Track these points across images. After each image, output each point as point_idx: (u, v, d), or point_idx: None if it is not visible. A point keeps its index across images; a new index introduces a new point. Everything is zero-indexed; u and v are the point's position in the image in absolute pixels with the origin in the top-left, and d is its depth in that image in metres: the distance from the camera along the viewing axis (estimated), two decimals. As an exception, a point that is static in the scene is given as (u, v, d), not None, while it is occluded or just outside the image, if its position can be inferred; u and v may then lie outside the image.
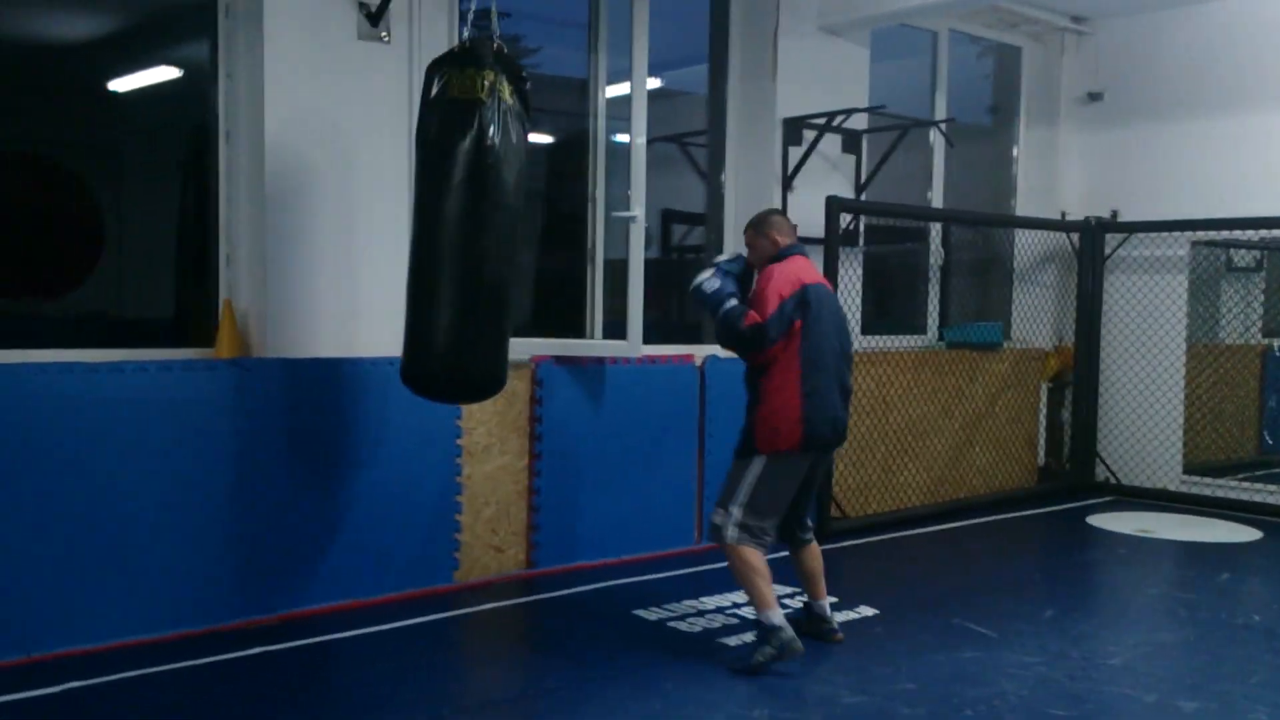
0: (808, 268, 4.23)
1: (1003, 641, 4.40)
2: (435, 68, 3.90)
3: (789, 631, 3.93)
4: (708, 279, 4.18)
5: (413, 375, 3.90)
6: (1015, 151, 8.24)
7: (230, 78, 4.70)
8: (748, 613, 4.45)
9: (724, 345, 4.28)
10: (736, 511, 4.02)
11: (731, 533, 4.02)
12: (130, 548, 4.12)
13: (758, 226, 4.32)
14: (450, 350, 3.80)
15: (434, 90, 3.85)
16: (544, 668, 4.05)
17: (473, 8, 4.25)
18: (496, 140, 3.76)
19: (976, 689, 3.84)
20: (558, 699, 3.70)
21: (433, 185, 3.80)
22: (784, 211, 4.30)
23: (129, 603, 4.12)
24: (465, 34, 4.10)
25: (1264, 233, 7.14)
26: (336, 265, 4.75)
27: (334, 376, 4.62)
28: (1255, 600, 5.31)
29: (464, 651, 4.45)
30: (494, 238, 3.81)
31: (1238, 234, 7.30)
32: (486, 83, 3.78)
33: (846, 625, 4.50)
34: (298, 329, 4.66)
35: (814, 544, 4.38)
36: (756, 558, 4.01)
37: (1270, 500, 7.16)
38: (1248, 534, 6.58)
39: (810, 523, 4.40)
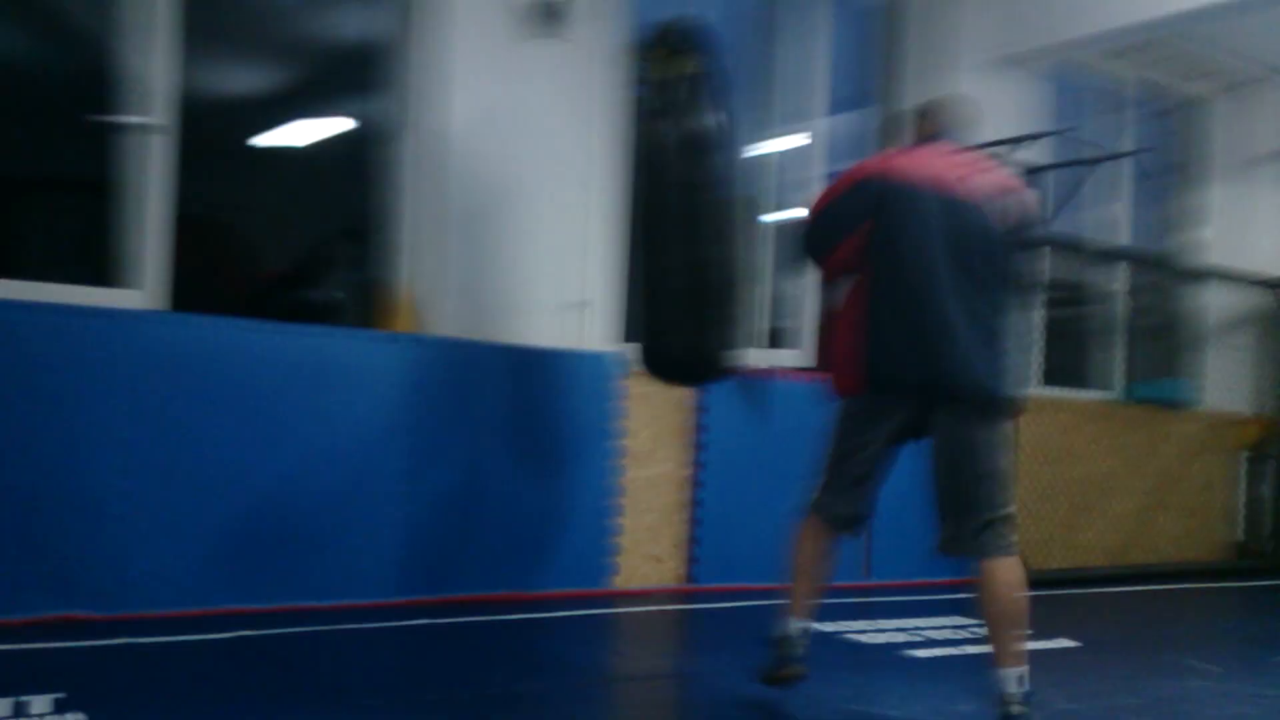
0: (926, 157, 3.03)
1: (1230, 675, 3.90)
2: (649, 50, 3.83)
3: (785, 649, 3.10)
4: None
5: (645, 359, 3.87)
6: (1202, 211, 7.77)
7: (418, 70, 4.83)
8: (936, 634, 4.10)
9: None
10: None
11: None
12: (299, 511, 4.07)
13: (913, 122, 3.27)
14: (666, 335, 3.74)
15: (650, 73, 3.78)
16: (699, 653, 3.81)
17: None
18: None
19: (1207, 710, 3.37)
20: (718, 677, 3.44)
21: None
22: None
23: (296, 567, 4.06)
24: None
25: None
26: (513, 255, 4.74)
27: (505, 362, 4.55)
28: None
29: (623, 636, 4.28)
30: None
31: None
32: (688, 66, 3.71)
33: (1045, 656, 4.06)
34: (472, 315, 4.64)
35: (990, 570, 2.89)
36: (803, 547, 3.13)
37: None
38: None
39: (972, 528, 2.91)
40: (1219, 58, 7.27)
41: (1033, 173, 6.41)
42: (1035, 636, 4.29)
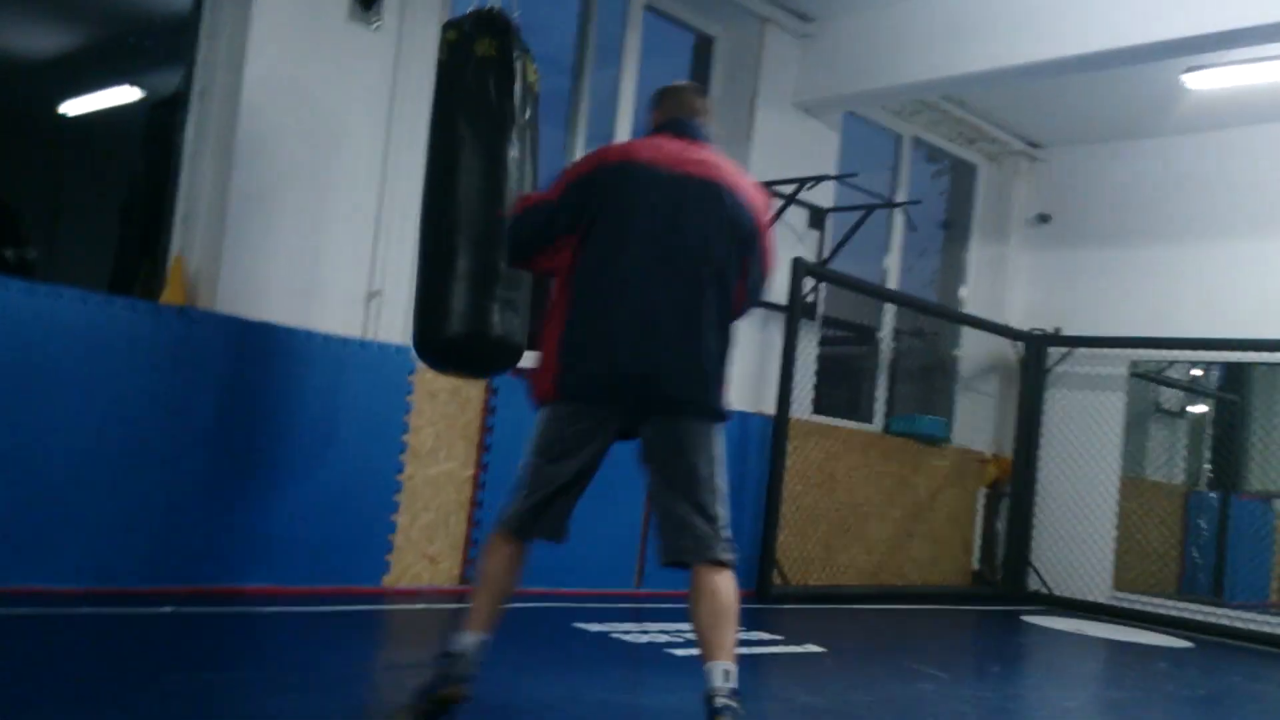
0: (658, 144, 2.83)
1: (955, 680, 4.24)
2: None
3: (453, 667, 2.72)
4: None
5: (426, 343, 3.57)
6: (965, 266, 8.48)
7: (212, 38, 4.62)
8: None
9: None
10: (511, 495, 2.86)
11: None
12: (39, 490, 3.76)
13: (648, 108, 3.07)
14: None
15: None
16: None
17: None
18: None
19: (933, 708, 3.66)
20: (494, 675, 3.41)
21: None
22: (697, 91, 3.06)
23: (34, 545, 3.74)
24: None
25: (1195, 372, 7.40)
26: (299, 237, 4.58)
27: (285, 345, 4.38)
28: (1178, 679, 5.23)
29: (378, 633, 4.16)
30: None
31: (1171, 367, 7.55)
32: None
33: (793, 658, 4.28)
34: (251, 295, 4.44)
35: (710, 577, 2.72)
36: (494, 556, 2.80)
37: (1199, 617, 7.11)
38: (1180, 643, 6.51)
39: (696, 534, 2.74)
40: (985, 128, 7.98)
41: (817, 213, 6.83)
42: (785, 642, 4.57)
